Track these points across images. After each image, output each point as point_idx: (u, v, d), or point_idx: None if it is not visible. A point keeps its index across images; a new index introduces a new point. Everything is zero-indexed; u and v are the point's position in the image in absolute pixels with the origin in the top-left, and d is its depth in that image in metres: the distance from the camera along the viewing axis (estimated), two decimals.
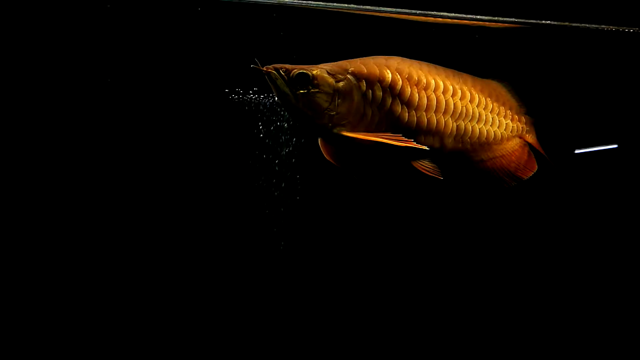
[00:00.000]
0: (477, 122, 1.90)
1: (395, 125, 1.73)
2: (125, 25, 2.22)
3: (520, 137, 2.04)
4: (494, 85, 2.01)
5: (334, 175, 1.98)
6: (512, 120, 2.01)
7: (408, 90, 1.73)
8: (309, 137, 1.90)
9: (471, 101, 1.88)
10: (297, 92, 1.63)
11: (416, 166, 1.77)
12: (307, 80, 1.64)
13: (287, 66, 1.65)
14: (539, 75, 2.37)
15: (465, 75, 1.93)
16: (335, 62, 1.73)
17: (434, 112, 1.78)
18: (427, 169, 1.77)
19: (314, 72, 1.65)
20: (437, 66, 1.87)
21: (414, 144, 1.68)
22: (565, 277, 2.75)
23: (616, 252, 2.75)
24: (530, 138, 2.07)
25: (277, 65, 1.64)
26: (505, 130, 1.98)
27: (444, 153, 1.85)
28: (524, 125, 2.04)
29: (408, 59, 1.81)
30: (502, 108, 1.98)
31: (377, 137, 1.66)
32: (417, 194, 2.60)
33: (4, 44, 2.22)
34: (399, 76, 1.73)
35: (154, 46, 2.29)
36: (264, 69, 1.63)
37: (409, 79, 1.74)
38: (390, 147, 1.69)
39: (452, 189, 2.51)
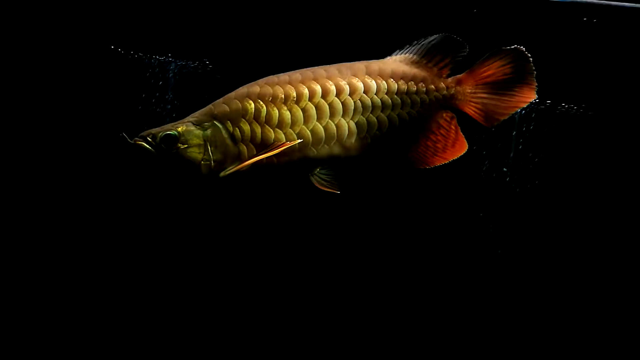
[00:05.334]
0: (381, 111, 1.74)
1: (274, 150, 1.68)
2: None
3: (447, 107, 1.82)
4: (398, 61, 1.82)
5: None
6: (427, 92, 1.80)
7: (275, 112, 1.66)
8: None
9: (366, 92, 1.73)
10: (167, 154, 1.63)
11: (312, 181, 1.71)
12: (174, 139, 1.63)
13: (153, 131, 1.66)
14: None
15: (357, 64, 1.78)
16: (202, 109, 1.72)
17: (318, 121, 1.69)
18: (322, 182, 1.71)
19: (179, 129, 1.64)
20: (317, 68, 1.76)
21: (276, 150, 1.62)
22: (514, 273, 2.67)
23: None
24: (462, 102, 1.82)
25: (143, 134, 1.65)
26: (422, 107, 1.79)
27: (354, 155, 1.74)
28: (447, 92, 1.81)
29: (277, 75, 1.74)
30: (411, 84, 1.78)
31: (249, 160, 1.63)
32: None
33: None
34: (261, 102, 1.67)
35: None
36: (132, 141, 1.64)
37: (274, 99, 1.67)
38: (275, 167, 1.66)
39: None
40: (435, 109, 1.81)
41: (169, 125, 1.67)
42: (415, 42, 1.84)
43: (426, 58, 1.84)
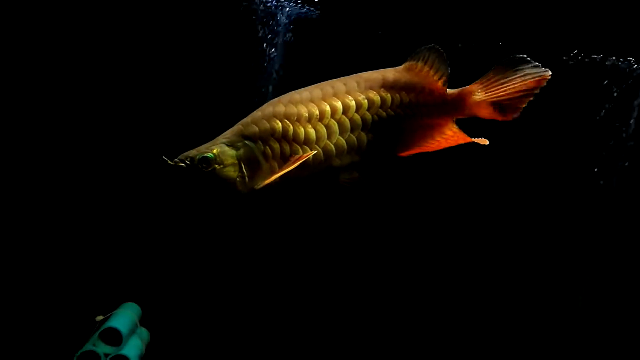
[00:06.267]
0: (399, 122, 1.85)
1: (303, 163, 1.80)
2: None
3: (450, 115, 1.88)
4: (413, 70, 1.87)
5: None
6: (434, 103, 1.86)
7: (301, 130, 1.80)
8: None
9: (382, 105, 1.84)
10: (205, 174, 1.78)
11: (341, 182, 1.85)
12: (211, 160, 1.77)
13: (190, 154, 1.80)
14: None
15: (375, 75, 1.86)
16: (231, 129, 1.85)
17: (340, 135, 1.82)
18: (347, 182, 1.84)
19: (214, 151, 1.78)
20: (337, 82, 1.86)
21: (299, 162, 1.73)
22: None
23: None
24: (473, 111, 1.87)
25: (181, 156, 1.79)
26: (436, 115, 1.87)
27: (374, 159, 1.86)
28: (453, 101, 1.87)
29: (299, 92, 1.86)
30: (424, 94, 1.86)
31: (279, 172, 1.76)
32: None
33: None
34: (288, 122, 1.80)
35: None
36: (173, 163, 1.78)
37: (299, 118, 1.80)
38: (304, 177, 1.81)
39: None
40: (441, 116, 1.88)
41: (203, 148, 1.81)
42: (416, 51, 1.86)
43: (427, 67, 1.86)
